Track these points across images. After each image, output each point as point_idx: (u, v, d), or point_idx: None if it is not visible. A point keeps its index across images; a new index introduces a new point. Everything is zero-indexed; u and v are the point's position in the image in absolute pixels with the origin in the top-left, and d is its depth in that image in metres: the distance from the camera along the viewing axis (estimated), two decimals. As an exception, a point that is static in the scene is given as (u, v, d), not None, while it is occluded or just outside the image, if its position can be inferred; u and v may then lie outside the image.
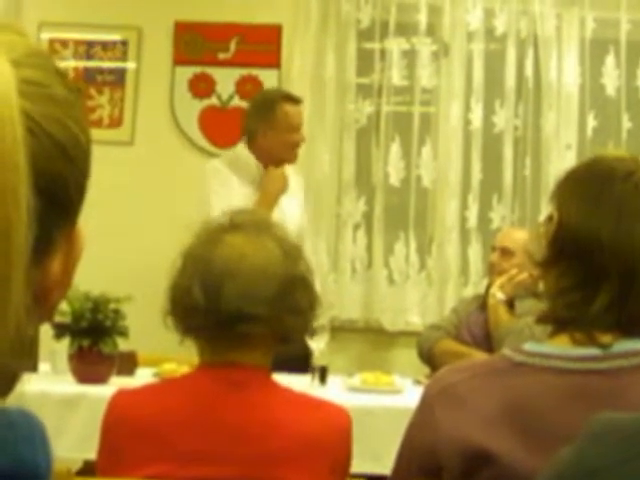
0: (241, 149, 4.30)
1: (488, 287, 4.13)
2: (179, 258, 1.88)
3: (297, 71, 5.16)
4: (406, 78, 5.22)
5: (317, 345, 3.55)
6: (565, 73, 5.18)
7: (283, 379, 1.91)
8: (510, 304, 3.97)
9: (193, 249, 1.87)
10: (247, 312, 1.78)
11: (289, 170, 4.31)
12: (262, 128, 4.22)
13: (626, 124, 5.14)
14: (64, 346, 3.36)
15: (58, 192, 0.65)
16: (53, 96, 0.66)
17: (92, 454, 1.96)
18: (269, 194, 4.18)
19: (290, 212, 4.15)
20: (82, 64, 5.24)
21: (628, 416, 0.97)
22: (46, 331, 3.31)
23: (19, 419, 0.67)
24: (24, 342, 0.61)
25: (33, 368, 3.46)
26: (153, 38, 5.23)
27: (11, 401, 0.67)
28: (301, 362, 4.10)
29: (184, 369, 3.05)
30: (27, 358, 0.63)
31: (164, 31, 5.22)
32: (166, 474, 1.75)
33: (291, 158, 4.28)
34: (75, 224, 0.68)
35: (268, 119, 4.23)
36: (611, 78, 5.19)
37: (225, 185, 4.20)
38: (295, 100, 4.30)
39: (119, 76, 5.25)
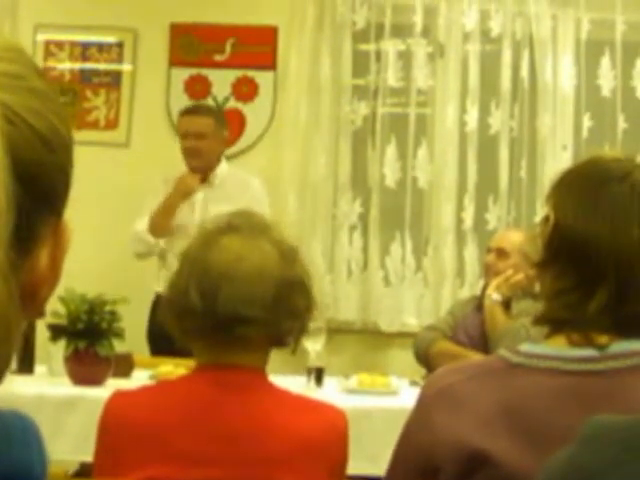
0: None
1: (484, 288, 4.13)
2: (177, 260, 1.88)
3: (293, 73, 5.17)
4: (402, 79, 5.22)
5: (313, 346, 3.54)
6: (561, 74, 5.18)
7: (279, 381, 1.91)
8: (506, 305, 3.96)
9: (190, 251, 1.86)
10: (244, 315, 1.78)
11: (240, 180, 4.56)
12: None
13: (622, 125, 5.14)
14: (60, 348, 3.36)
15: (39, 181, 0.64)
16: (31, 88, 0.65)
17: (89, 456, 1.95)
18: (166, 198, 4.47)
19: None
20: (78, 66, 5.24)
21: (623, 419, 0.97)
22: (42, 333, 3.31)
23: (13, 421, 0.66)
24: (9, 328, 0.61)
25: (29, 370, 3.45)
26: (149, 40, 5.23)
27: (6, 403, 0.66)
28: None
29: (181, 371, 3.05)
30: (11, 347, 0.63)
31: (160, 33, 5.22)
32: (163, 476, 1.75)
33: (187, 163, 4.55)
34: (61, 217, 0.68)
35: None
36: (606, 79, 5.19)
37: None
38: (187, 111, 4.61)
39: (115, 78, 5.25)
